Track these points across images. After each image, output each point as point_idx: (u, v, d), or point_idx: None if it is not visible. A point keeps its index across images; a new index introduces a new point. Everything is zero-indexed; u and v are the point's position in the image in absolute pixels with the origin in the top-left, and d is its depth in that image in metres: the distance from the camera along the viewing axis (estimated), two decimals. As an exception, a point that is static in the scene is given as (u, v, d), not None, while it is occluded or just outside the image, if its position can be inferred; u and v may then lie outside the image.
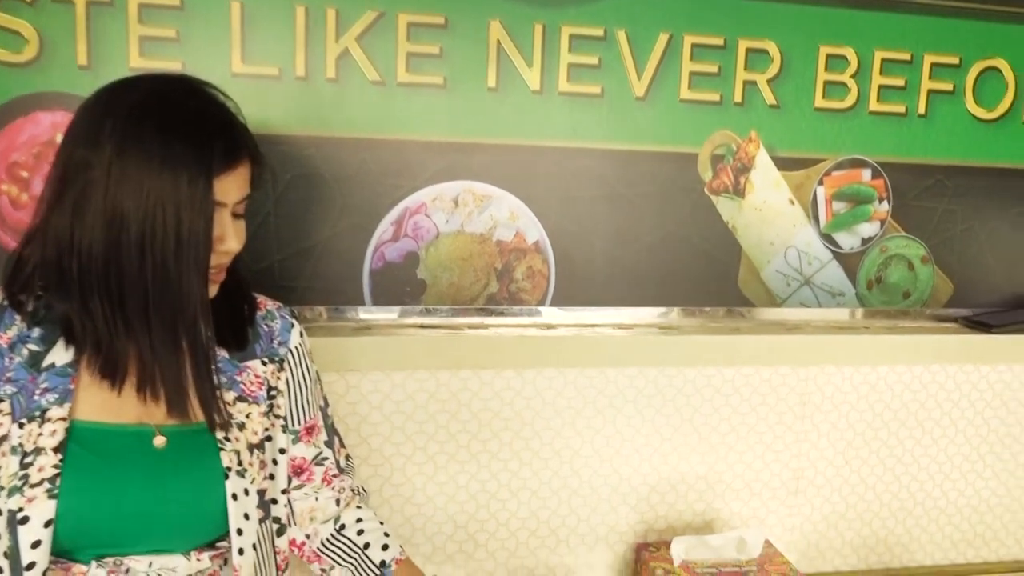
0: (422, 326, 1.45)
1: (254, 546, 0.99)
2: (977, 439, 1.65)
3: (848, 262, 1.61)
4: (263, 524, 1.03)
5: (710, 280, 1.55)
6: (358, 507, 1.20)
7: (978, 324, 1.64)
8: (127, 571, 0.93)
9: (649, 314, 1.54)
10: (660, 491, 1.54)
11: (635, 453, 1.51)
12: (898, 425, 1.61)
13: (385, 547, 1.15)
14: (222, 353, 1.01)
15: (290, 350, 1.10)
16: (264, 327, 1.08)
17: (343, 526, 1.16)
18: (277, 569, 1.08)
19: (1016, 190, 1.64)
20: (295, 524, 1.14)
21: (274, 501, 1.07)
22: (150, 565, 0.94)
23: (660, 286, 1.52)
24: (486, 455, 1.46)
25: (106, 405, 0.94)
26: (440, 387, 1.42)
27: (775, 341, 1.53)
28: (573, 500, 1.50)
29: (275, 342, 1.08)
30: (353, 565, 1.14)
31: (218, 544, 0.99)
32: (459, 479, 1.45)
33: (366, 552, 1.14)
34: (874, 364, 1.58)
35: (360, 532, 1.16)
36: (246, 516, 0.98)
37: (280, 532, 1.09)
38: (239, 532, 0.97)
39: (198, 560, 0.97)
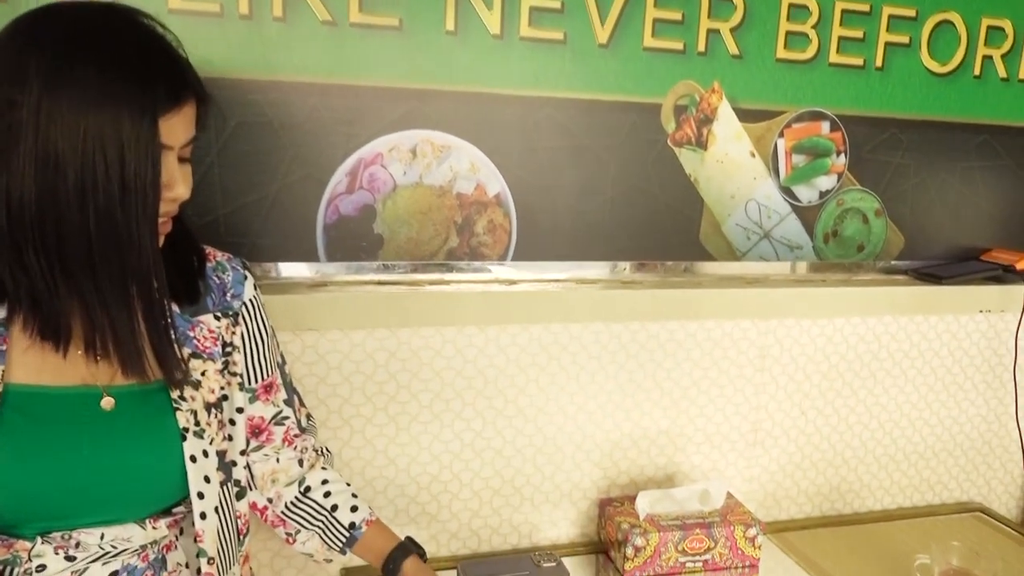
0: (380, 283, 1.39)
1: (216, 510, 0.93)
2: (925, 388, 1.70)
3: (806, 215, 1.61)
4: (224, 487, 0.97)
5: (672, 234, 1.53)
6: (323, 468, 1.15)
7: (928, 276, 1.68)
8: (77, 545, 0.86)
9: (612, 268, 1.51)
10: (623, 447, 1.53)
11: (599, 409, 1.50)
12: (852, 376, 1.64)
13: (354, 508, 1.10)
14: (173, 307, 0.94)
15: (244, 304, 1.03)
16: (215, 279, 1.01)
17: (308, 488, 1.11)
18: (239, 534, 1.03)
19: (966, 144, 1.67)
20: (255, 488, 1.09)
21: (234, 463, 1.01)
22: (102, 537, 0.87)
23: (623, 240, 1.50)
24: (449, 414, 1.42)
25: (46, 366, 0.86)
26: (401, 345, 1.37)
27: (736, 295, 1.52)
28: (537, 458, 1.48)
29: (228, 295, 1.01)
30: (321, 528, 1.09)
31: (174, 510, 0.93)
32: (422, 440, 1.41)
33: (334, 514, 1.09)
34: (830, 316, 1.60)
35: (327, 494, 1.11)
36: (207, 479, 0.92)
37: (240, 495, 1.03)
38: (200, 496, 0.91)
39: (154, 528, 0.90)
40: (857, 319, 1.62)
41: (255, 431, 1.07)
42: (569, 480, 1.51)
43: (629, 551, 1.39)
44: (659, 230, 1.52)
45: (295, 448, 1.11)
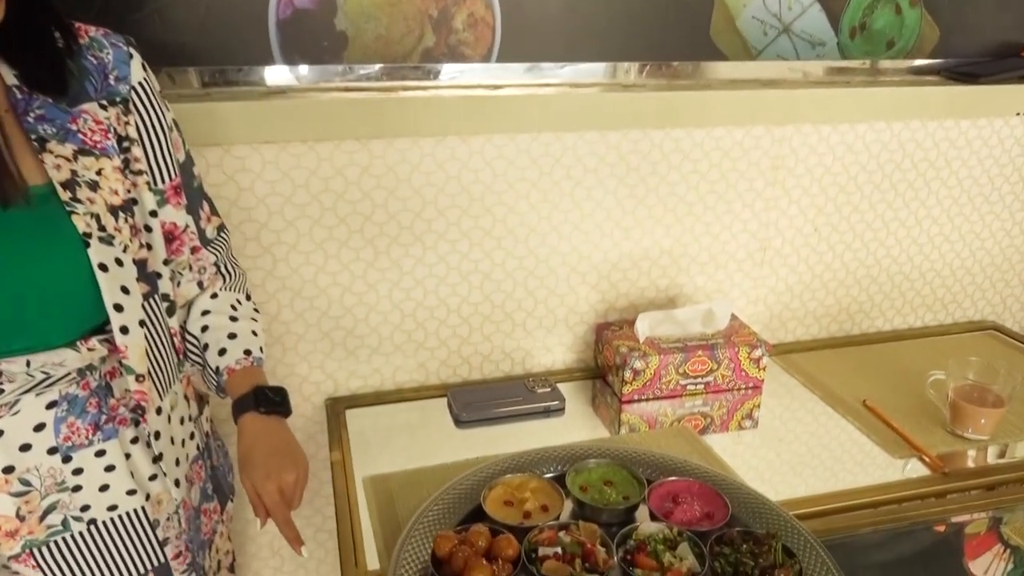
0: (347, 88, 1.22)
1: (142, 323, 0.83)
2: (948, 201, 1.57)
3: (832, 6, 1.41)
4: (150, 300, 0.86)
5: (680, 30, 1.34)
6: (213, 296, 1.00)
7: (963, 75, 1.50)
8: (0, 375, 0.76)
9: (611, 70, 1.34)
10: (622, 268, 1.42)
11: (596, 228, 1.38)
12: (871, 188, 1.51)
13: (223, 351, 0.96)
14: (43, 98, 0.78)
15: (133, 88, 0.87)
16: (91, 59, 0.84)
17: (186, 319, 0.99)
18: (176, 353, 0.93)
19: (1022, -85, 1.44)
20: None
21: (158, 275, 0.90)
22: (28, 364, 0.77)
23: (623, 37, 1.31)
24: (431, 236, 1.30)
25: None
26: (374, 160, 1.23)
27: (749, 98, 1.36)
28: (529, 281, 1.38)
29: (111, 78, 0.85)
30: (200, 368, 0.99)
31: (107, 327, 0.82)
32: (403, 264, 1.30)
33: (206, 355, 0.97)
34: (852, 122, 1.44)
35: (204, 328, 0.98)
36: (124, 290, 0.81)
37: (172, 311, 0.93)
38: (118, 308, 0.81)
39: (89, 350, 0.80)
40: (881, 125, 1.46)
41: (168, 237, 0.93)
42: (564, 304, 1.42)
43: (627, 374, 1.32)
44: (664, 25, 1.33)
45: (193, 269, 0.98)
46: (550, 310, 1.41)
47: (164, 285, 0.90)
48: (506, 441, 1.22)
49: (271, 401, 0.95)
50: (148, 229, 0.88)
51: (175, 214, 0.93)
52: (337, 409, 1.31)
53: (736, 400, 1.37)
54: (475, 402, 1.30)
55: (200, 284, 0.99)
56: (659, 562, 0.90)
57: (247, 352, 0.98)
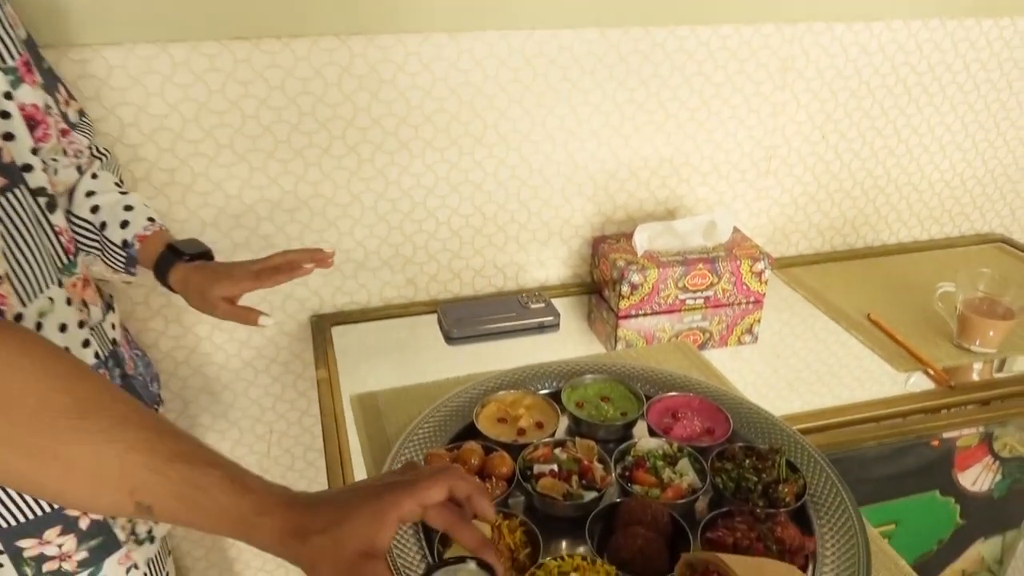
0: (323, -21, 1.12)
1: (4, 220, 0.76)
2: (964, 107, 1.49)
3: None
4: (14, 193, 0.78)
5: (685, -86, 1.23)
6: (93, 176, 0.95)
7: (988, -32, 1.40)
8: None
9: (610, -40, 1.23)
10: (620, 178, 1.35)
11: (592, 136, 1.30)
12: (884, 93, 1.43)
13: (125, 224, 0.93)
14: None
15: None
16: None
17: (71, 202, 0.93)
18: (65, 252, 0.86)
19: None
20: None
21: (27, 167, 0.81)
22: None
23: (624, -78, 1.20)
24: (418, 143, 1.22)
25: None
26: (355, 58, 1.13)
27: (759, -8, 1.26)
28: (522, 192, 1.31)
29: None
30: (99, 249, 0.94)
31: None
32: (388, 173, 1.23)
33: (104, 233, 0.93)
34: (868, 20, 1.35)
35: (94, 209, 0.93)
36: None
37: (52, 206, 0.85)
38: None
39: None
40: (899, 23, 1.37)
41: (30, 123, 0.84)
42: (559, 216, 1.35)
43: (625, 289, 1.27)
44: (669, -91, 1.22)
45: (68, 153, 0.91)
46: (544, 223, 1.35)
47: (37, 178, 0.82)
48: (498, 358, 1.17)
49: (189, 247, 0.95)
50: (5, 115, 0.79)
51: (33, 94, 0.84)
52: (323, 326, 1.26)
53: (736, 315, 1.33)
54: (466, 318, 1.25)
55: (79, 168, 0.92)
56: (659, 478, 0.87)
57: (151, 220, 0.95)
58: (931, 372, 1.17)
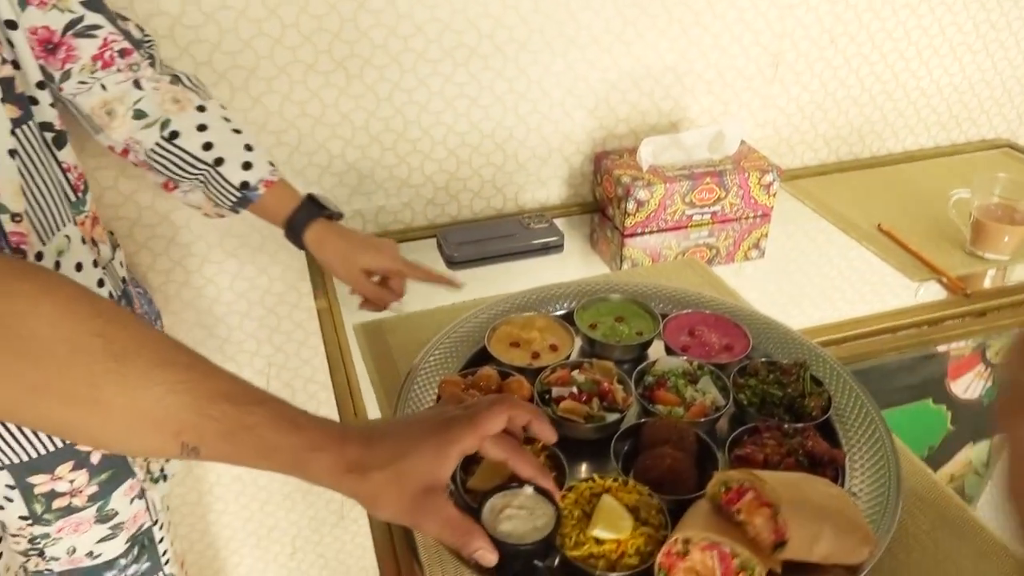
0: None
1: (13, 153, 0.71)
2: (976, 6, 1.43)
3: None
4: (24, 128, 0.74)
5: None
6: (200, 108, 0.89)
7: None
8: None
9: None
10: (621, 89, 1.29)
11: (593, 43, 1.23)
12: (896, -9, 1.36)
13: (248, 165, 0.89)
14: None
15: None
16: None
17: (175, 134, 0.87)
18: (73, 189, 0.82)
19: None
20: (99, 129, 0.87)
21: (33, 100, 0.76)
22: None
23: None
24: (409, 56, 1.14)
25: None
26: (338, -37, 1.05)
27: None
28: (520, 106, 1.24)
29: None
30: (204, 181, 0.90)
31: None
32: (379, 89, 1.16)
33: (219, 170, 0.89)
34: (881, -89, 1.27)
35: (208, 146, 0.88)
36: None
37: (60, 142, 0.80)
38: None
39: None
40: (913, -86, 1.29)
41: (47, 48, 0.79)
42: (559, 132, 1.29)
43: (630, 206, 1.22)
44: None
45: (120, 69, 0.85)
46: (544, 138, 1.29)
47: (44, 112, 0.77)
48: (502, 281, 1.13)
49: (330, 203, 0.97)
50: (10, 44, 0.73)
51: (44, 16, 0.77)
52: (318, 254, 1.21)
53: (744, 229, 1.29)
54: (468, 241, 1.20)
55: (137, 84, 0.86)
56: (680, 397, 0.84)
57: (271, 164, 0.93)
58: (945, 280, 1.15)
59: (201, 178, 0.89)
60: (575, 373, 0.87)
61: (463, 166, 1.26)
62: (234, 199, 0.91)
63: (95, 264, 0.84)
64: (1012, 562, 0.72)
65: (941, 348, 1.18)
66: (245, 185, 0.90)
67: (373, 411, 0.90)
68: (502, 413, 0.60)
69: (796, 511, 0.64)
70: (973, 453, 1.43)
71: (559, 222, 1.26)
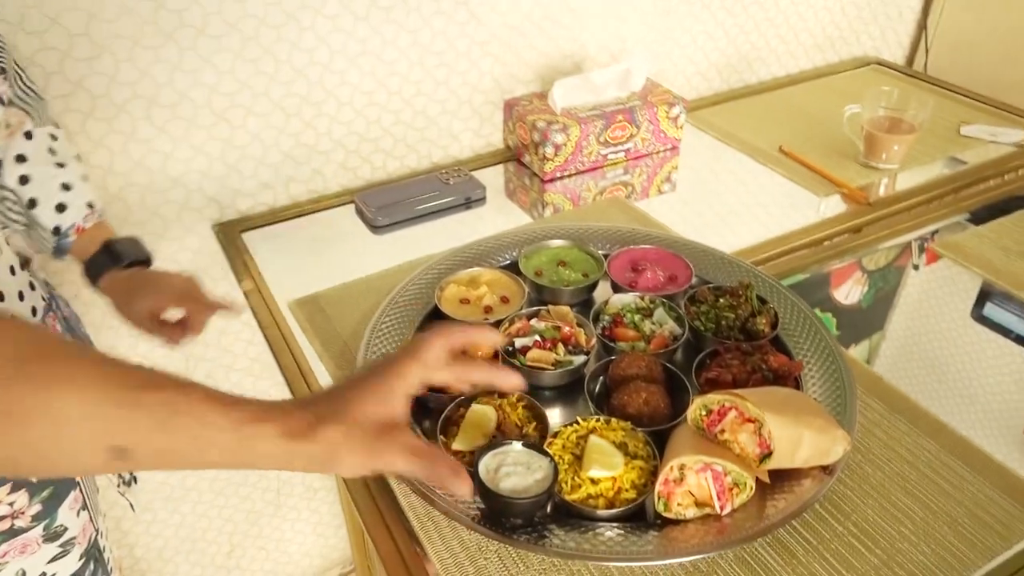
0: None
1: None
2: (841, -73, 1.50)
3: None
4: None
5: None
6: (26, 135, 0.80)
7: None
8: None
9: None
10: (524, 32, 1.27)
11: (492, -13, 1.20)
12: (771, -83, 1.40)
13: (61, 207, 0.81)
14: None
15: None
16: None
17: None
18: None
19: None
20: None
21: None
22: None
23: None
24: (307, 13, 1.07)
25: None
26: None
27: None
28: (426, 59, 1.20)
29: None
30: (24, 226, 0.82)
31: None
32: (278, 51, 1.08)
33: (34, 212, 0.80)
34: None
35: (24, 179, 0.79)
36: None
37: None
38: None
39: None
40: None
41: None
42: (467, 83, 1.26)
43: (548, 150, 1.22)
44: None
45: None
46: (452, 91, 1.25)
47: None
48: (431, 241, 1.10)
49: (128, 252, 0.85)
50: None
51: None
52: (231, 235, 1.14)
53: (656, 164, 1.31)
54: (389, 203, 1.16)
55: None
56: (640, 331, 0.86)
57: (90, 205, 0.83)
58: (847, 192, 1.22)
59: (24, 222, 0.81)
60: (534, 322, 0.86)
61: (373, 126, 1.21)
62: (51, 245, 0.82)
63: (23, 266, 0.77)
64: (952, 437, 0.78)
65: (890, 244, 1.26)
66: (58, 230, 0.81)
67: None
68: (438, 338, 0.58)
69: (777, 422, 0.67)
70: (855, 353, 1.55)
71: (476, 175, 1.24)
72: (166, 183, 1.10)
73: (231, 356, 1.31)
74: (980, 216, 1.19)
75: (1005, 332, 1.06)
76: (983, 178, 1.26)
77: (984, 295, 1.11)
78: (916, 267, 1.27)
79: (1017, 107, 1.46)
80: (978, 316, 1.11)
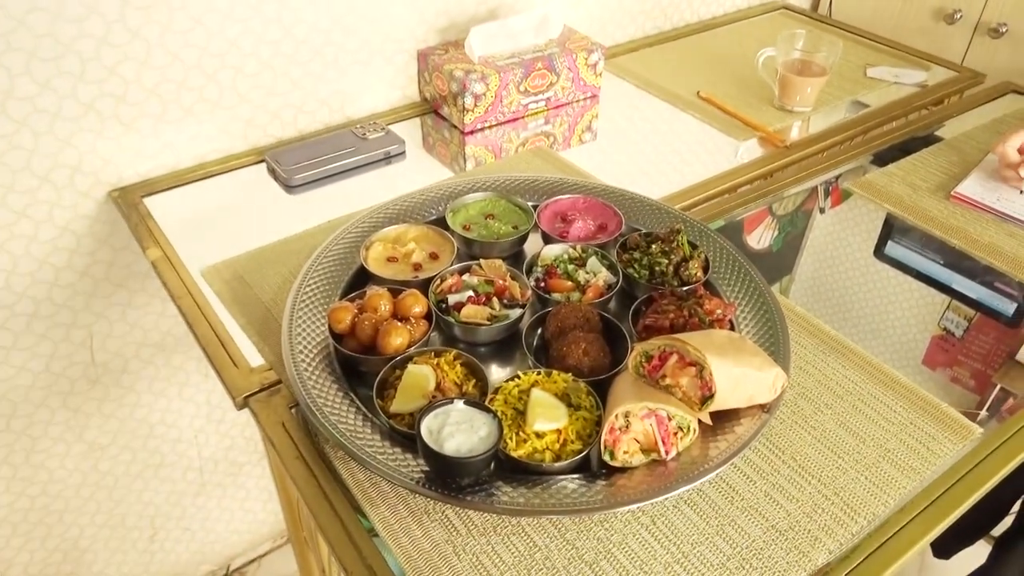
0: None
1: None
2: None
3: None
4: None
5: None
6: None
7: None
8: None
9: None
10: (437, -22, 1.21)
11: (401, -72, 1.13)
12: None
13: None
14: None
15: None
16: None
17: None
18: None
19: None
20: None
21: None
22: None
23: None
24: (201, -45, 0.99)
25: None
26: None
27: None
28: (334, 7, 1.13)
29: None
30: None
31: None
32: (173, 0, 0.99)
33: None
34: None
35: None
36: None
37: None
38: None
39: None
40: None
41: None
42: (379, 32, 1.20)
43: (468, 101, 1.18)
44: None
45: None
46: (364, 41, 1.19)
47: None
48: (350, 199, 1.06)
49: None
50: None
51: None
52: (131, 200, 1.05)
53: (576, 113, 1.29)
54: (303, 161, 1.10)
55: None
56: (574, 281, 0.85)
57: None
58: (764, 135, 1.23)
59: None
60: (466, 277, 0.84)
61: (280, 79, 1.14)
62: None
63: None
64: (878, 369, 0.81)
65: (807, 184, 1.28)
66: None
67: (254, 357, 0.81)
68: None
69: (718, 364, 0.67)
70: (769, 294, 1.60)
71: (394, 129, 1.19)
72: (54, 145, 1.00)
73: (141, 331, 1.23)
74: (884, 158, 1.23)
75: (905, 269, 1.10)
76: (890, 118, 1.30)
77: (886, 234, 1.15)
78: (822, 210, 1.30)
79: (919, 50, 1.51)
80: (880, 255, 1.15)
